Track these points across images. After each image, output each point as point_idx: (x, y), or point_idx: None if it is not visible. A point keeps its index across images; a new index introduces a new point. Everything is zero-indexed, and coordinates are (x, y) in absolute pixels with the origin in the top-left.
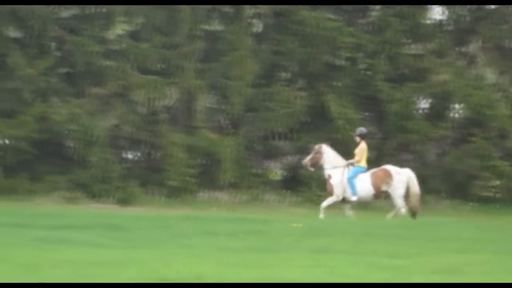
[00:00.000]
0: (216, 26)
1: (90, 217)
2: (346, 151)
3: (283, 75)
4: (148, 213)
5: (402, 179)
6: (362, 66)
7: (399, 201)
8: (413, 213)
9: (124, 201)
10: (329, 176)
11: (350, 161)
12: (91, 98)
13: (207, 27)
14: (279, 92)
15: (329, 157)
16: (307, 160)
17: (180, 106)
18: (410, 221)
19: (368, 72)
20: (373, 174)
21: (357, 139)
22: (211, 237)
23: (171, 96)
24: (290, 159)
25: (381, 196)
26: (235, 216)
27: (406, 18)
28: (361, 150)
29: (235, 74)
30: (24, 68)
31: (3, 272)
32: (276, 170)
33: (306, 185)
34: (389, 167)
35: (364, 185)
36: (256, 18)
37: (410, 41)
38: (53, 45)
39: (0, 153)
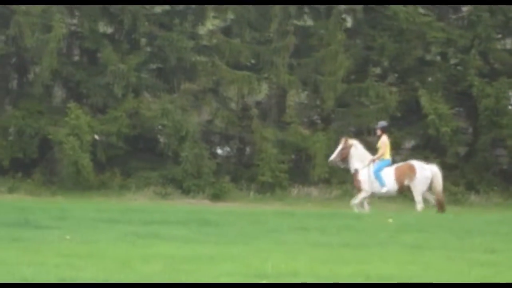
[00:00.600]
0: (308, 21)
1: (182, 212)
2: (437, 147)
3: (375, 70)
4: (239, 209)
5: (426, 174)
6: (453, 61)
7: (418, 197)
8: (441, 207)
9: (216, 197)
10: (356, 171)
11: (376, 156)
12: (182, 93)
13: (298, 22)
14: (371, 87)
15: (357, 151)
16: (334, 156)
17: (271, 102)
18: (509, 217)
19: (460, 67)
20: (397, 168)
21: (379, 132)
22: (304, 232)
23: (262, 91)
24: None
25: (405, 191)
26: (327, 212)
27: (497, 13)
28: (384, 143)
29: (327, 70)
30: (115, 63)
31: (97, 267)
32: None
33: None
34: (414, 162)
35: (388, 179)
36: (347, 13)
37: (501, 36)
38: (144, 40)
39: (92, 148)
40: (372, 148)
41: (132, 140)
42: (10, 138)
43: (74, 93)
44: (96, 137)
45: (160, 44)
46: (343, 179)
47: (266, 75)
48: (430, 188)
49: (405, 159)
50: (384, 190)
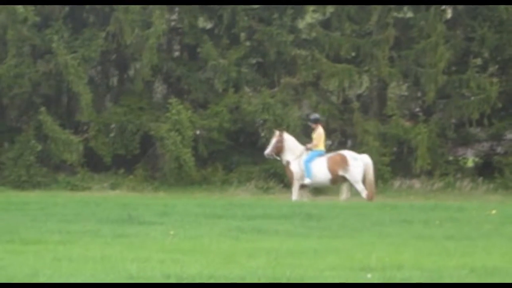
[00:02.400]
0: (408, 13)
1: (284, 206)
2: None
3: (475, 61)
4: (342, 202)
5: (359, 164)
6: None
7: (358, 186)
8: (369, 198)
9: (318, 190)
10: (288, 163)
11: (308, 145)
12: (283, 87)
13: (398, 14)
14: (472, 78)
15: (290, 144)
16: (269, 150)
17: (372, 94)
18: None
19: None
20: (329, 158)
21: (312, 125)
22: (407, 225)
23: (363, 84)
24: (483, 146)
25: (339, 181)
26: (429, 204)
27: None
28: (319, 134)
29: (427, 61)
30: (216, 58)
31: (201, 263)
32: (469, 157)
33: (500, 171)
34: (346, 152)
35: (321, 169)
36: (447, 4)
37: None
38: (244, 35)
39: (193, 144)
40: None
41: (233, 134)
42: (112, 135)
43: (175, 88)
44: (200, 132)
45: (259, 38)
46: (445, 171)
47: (366, 68)
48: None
49: (506, 151)
50: (307, 181)
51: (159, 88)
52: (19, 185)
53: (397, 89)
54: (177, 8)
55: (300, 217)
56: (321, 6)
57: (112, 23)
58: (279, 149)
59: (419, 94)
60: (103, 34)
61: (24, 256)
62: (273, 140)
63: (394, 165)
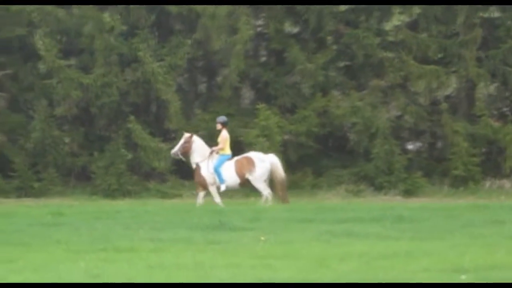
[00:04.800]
0: (494, 13)
1: (375, 209)
2: None
3: None
4: (433, 204)
5: (266, 166)
6: None
7: (260, 186)
8: (283, 198)
9: (408, 192)
10: (198, 167)
11: (214, 148)
12: (371, 90)
13: (484, 14)
14: None
15: (198, 146)
16: (176, 149)
17: (460, 95)
18: None
19: None
20: (237, 161)
21: (219, 126)
22: (499, 225)
23: (451, 85)
24: None
25: (247, 184)
26: None
27: None
28: (224, 138)
29: None
30: (303, 62)
31: (293, 267)
32: None
33: None
34: (252, 154)
35: (229, 173)
36: None
37: None
38: (330, 39)
39: (282, 149)
40: None
41: (322, 138)
42: None
43: (263, 94)
44: (288, 137)
45: (346, 41)
46: None
47: (454, 68)
48: (272, 179)
49: None
50: (223, 187)
51: (247, 94)
52: (110, 193)
53: (485, 89)
54: (263, 13)
55: (390, 219)
56: (407, 8)
57: (199, 30)
58: (186, 150)
59: (507, 93)
60: (190, 41)
61: (118, 264)
62: (181, 141)
63: (484, 166)
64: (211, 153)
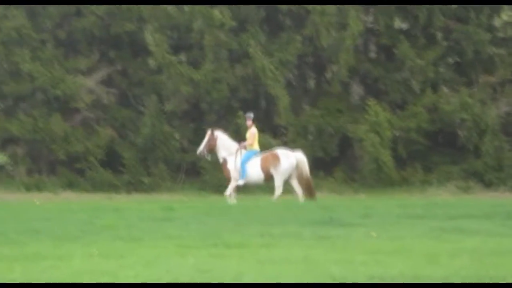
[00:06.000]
0: None
1: (485, 206)
2: None
3: None
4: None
5: (290, 161)
6: None
7: (278, 181)
8: (309, 195)
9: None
10: (225, 161)
11: (242, 144)
12: (481, 86)
13: None
14: None
15: (222, 141)
16: (202, 148)
17: None
18: None
19: None
20: (263, 157)
21: (249, 122)
22: None
23: None
24: None
25: (271, 179)
26: None
27: None
28: (252, 134)
29: None
30: (413, 59)
31: (404, 263)
32: None
33: None
34: (278, 151)
35: (254, 169)
36: None
37: None
38: (440, 35)
39: (392, 145)
40: None
41: (432, 135)
42: (310, 137)
43: (372, 89)
44: (398, 133)
45: (456, 37)
46: None
47: None
48: (297, 175)
49: None
50: (241, 182)
51: (356, 90)
52: (220, 189)
53: None
54: (372, 9)
55: (501, 216)
56: None
57: (309, 26)
58: (211, 147)
59: None
60: (300, 37)
61: (228, 259)
62: (205, 139)
63: None
64: (242, 147)
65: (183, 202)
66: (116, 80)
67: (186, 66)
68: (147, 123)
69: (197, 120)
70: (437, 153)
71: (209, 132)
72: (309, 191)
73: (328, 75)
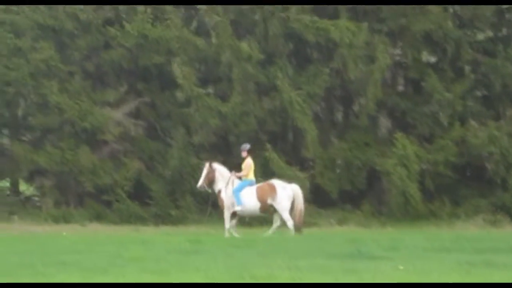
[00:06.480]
0: None
1: None
2: None
3: None
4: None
5: (288, 193)
6: None
7: (285, 215)
8: (297, 228)
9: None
10: (219, 191)
11: (238, 174)
12: (509, 119)
13: None
14: None
15: (220, 173)
16: (201, 182)
17: None
18: None
19: None
20: (258, 188)
21: (244, 154)
22: None
23: None
24: None
25: (268, 210)
26: None
27: None
28: (248, 164)
29: None
30: (440, 92)
31: None
32: None
33: None
34: (274, 182)
35: (250, 198)
36: None
37: None
38: (468, 68)
39: (420, 178)
40: None
41: (459, 168)
42: (338, 170)
43: (400, 123)
44: (425, 166)
45: (484, 71)
46: None
47: None
48: (292, 207)
49: None
50: (238, 208)
51: (384, 123)
52: (246, 222)
53: None
54: (400, 42)
55: None
56: None
57: (336, 59)
58: (210, 179)
59: None
60: (327, 70)
61: None
62: (204, 172)
63: None
64: (235, 177)
65: (210, 235)
66: (144, 113)
67: (214, 98)
68: (175, 155)
69: (225, 152)
70: (465, 187)
71: (207, 165)
72: (299, 223)
73: (356, 108)
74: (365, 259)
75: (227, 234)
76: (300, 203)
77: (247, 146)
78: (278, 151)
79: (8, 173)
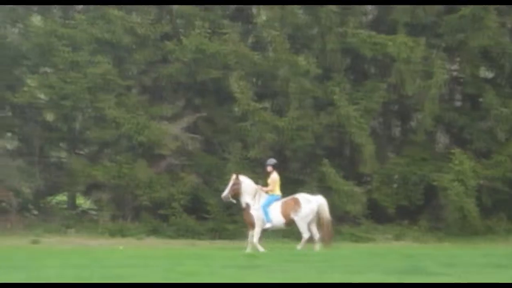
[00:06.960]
0: None
1: None
2: None
3: None
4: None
5: (311, 207)
6: None
7: (301, 226)
8: (325, 241)
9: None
10: (247, 206)
11: (264, 188)
12: None
13: None
14: None
15: (247, 186)
16: (226, 192)
17: None
18: None
19: None
20: (283, 202)
21: (269, 168)
22: None
23: None
24: None
25: (293, 224)
26: None
27: None
28: (274, 180)
29: None
30: (498, 107)
31: None
32: None
33: None
34: (300, 196)
35: (275, 213)
36: None
37: None
38: None
39: (477, 194)
40: None
41: None
42: (395, 185)
43: (457, 138)
44: (482, 182)
45: None
46: None
47: None
48: (317, 220)
49: None
50: (267, 225)
51: (441, 138)
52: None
53: None
54: (458, 57)
55: None
56: None
57: (393, 74)
58: (236, 191)
59: None
60: (384, 85)
61: None
62: (230, 183)
63: None
64: (261, 191)
65: (266, 249)
66: (201, 127)
67: (271, 113)
68: (232, 169)
69: (281, 167)
70: None
71: (234, 177)
72: (328, 236)
73: (413, 123)
74: (421, 275)
75: (261, 249)
76: (327, 215)
77: (272, 161)
78: (335, 166)
79: (65, 187)
